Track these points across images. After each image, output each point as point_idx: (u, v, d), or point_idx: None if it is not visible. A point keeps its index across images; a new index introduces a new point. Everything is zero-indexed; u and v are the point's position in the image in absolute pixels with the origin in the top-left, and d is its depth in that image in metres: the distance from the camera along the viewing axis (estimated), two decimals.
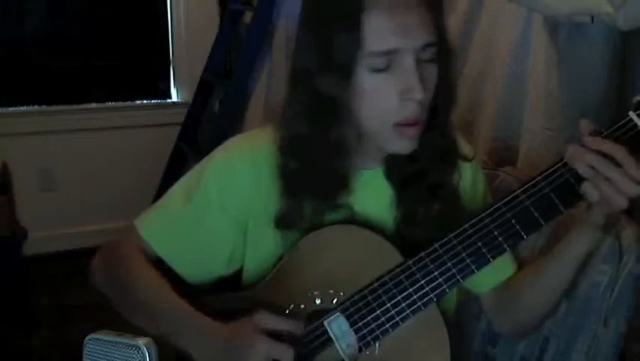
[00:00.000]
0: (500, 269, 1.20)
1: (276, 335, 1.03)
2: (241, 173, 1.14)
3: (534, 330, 1.25)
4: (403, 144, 1.07)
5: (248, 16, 3.31)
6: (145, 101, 4.10)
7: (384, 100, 1.04)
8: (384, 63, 1.02)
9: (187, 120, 3.61)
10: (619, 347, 1.23)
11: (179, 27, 3.97)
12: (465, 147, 1.20)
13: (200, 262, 1.18)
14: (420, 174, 1.13)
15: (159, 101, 4.11)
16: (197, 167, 1.20)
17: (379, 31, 1.01)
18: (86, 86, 4.01)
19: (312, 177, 1.10)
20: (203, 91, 3.58)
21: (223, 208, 1.15)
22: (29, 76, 3.93)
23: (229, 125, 3.14)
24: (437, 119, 1.10)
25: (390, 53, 1.02)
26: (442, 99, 1.09)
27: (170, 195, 1.21)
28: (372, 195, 1.15)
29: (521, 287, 1.18)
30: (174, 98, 4.11)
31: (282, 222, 1.12)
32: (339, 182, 1.12)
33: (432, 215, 1.12)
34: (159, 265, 1.17)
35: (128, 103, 4.05)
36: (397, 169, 1.14)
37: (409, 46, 1.02)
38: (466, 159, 1.18)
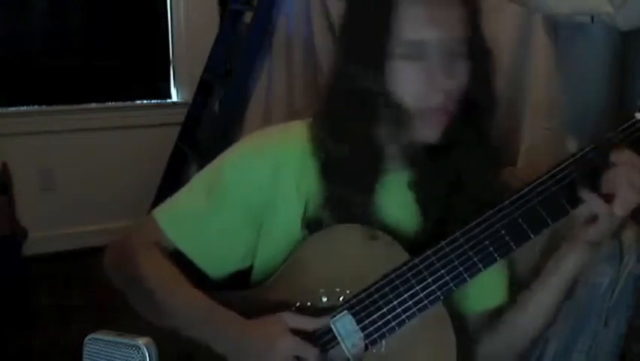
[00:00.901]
0: (495, 292, 1.19)
1: (298, 334, 1.04)
2: (260, 169, 1.15)
3: (527, 351, 1.24)
4: (427, 132, 1.08)
5: (248, 16, 3.31)
6: (145, 101, 4.10)
7: (414, 87, 1.06)
8: (416, 52, 1.05)
9: (187, 120, 3.61)
10: (619, 348, 1.23)
11: (179, 27, 3.97)
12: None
13: (218, 256, 1.19)
14: (453, 182, 1.12)
15: (159, 101, 4.11)
16: (219, 159, 1.20)
17: (412, 21, 1.04)
18: (86, 86, 4.01)
19: (354, 168, 1.11)
20: (203, 91, 3.58)
21: (242, 203, 1.15)
22: (29, 76, 3.93)
23: (229, 125, 3.14)
24: (473, 117, 1.11)
25: (422, 44, 1.04)
26: (478, 97, 1.10)
27: (191, 188, 1.21)
28: (395, 197, 1.15)
29: (513, 311, 1.17)
30: (174, 98, 4.11)
31: (314, 222, 1.12)
32: (376, 175, 1.12)
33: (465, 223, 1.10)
34: (177, 258, 1.17)
35: (128, 103, 4.05)
36: (426, 177, 1.14)
37: (441, 37, 1.05)
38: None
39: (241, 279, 1.21)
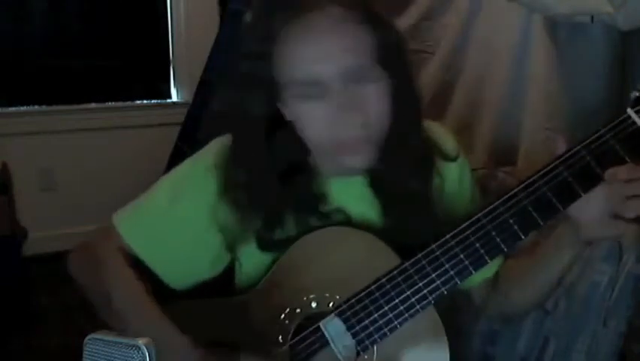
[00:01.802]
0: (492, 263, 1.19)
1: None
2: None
3: (520, 319, 1.26)
4: (352, 160, 1.05)
5: (248, 16, 3.31)
6: (145, 101, 4.10)
7: (317, 127, 1.03)
8: (310, 91, 1.01)
9: (187, 120, 3.61)
10: (619, 347, 1.23)
11: (179, 27, 3.97)
12: (448, 145, 1.17)
13: (182, 266, 1.14)
14: (399, 183, 1.11)
15: (159, 101, 4.11)
16: (183, 165, 1.17)
17: (295, 61, 1.00)
18: (85, 86, 4.01)
19: (285, 192, 1.09)
20: (203, 91, 3.58)
21: (207, 211, 1.11)
22: (29, 76, 3.93)
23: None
24: (398, 130, 1.07)
25: (317, 81, 1.00)
26: (400, 110, 1.06)
27: (153, 194, 1.17)
28: (360, 200, 1.14)
29: (510, 278, 1.17)
30: (174, 98, 4.11)
31: (265, 243, 1.11)
32: (312, 192, 1.10)
33: (418, 222, 1.10)
34: (140, 264, 1.13)
35: (128, 103, 4.05)
36: (376, 178, 1.13)
37: (331, 72, 1.00)
38: (448, 159, 1.16)
39: (226, 284, 1.19)
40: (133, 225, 1.15)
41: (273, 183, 1.08)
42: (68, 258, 1.17)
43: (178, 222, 1.13)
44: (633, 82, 1.68)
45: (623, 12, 1.44)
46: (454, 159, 1.17)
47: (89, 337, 0.84)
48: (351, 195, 1.13)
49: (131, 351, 0.82)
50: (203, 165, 1.14)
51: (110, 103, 3.99)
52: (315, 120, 1.03)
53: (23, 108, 3.79)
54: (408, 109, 1.08)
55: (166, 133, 3.65)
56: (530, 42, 1.85)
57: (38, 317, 2.96)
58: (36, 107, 3.82)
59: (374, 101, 1.02)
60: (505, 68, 1.94)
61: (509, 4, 1.82)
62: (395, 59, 1.05)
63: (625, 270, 1.19)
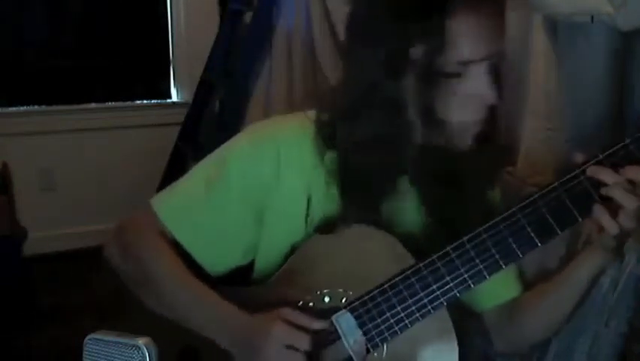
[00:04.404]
0: (505, 287, 1.19)
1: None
2: (263, 162, 1.12)
3: (528, 351, 1.25)
4: (464, 140, 1.08)
5: (248, 16, 3.31)
6: (145, 101, 4.10)
7: (461, 106, 1.05)
8: (460, 69, 1.03)
9: (187, 120, 3.61)
10: (620, 348, 1.23)
11: (179, 27, 3.97)
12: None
13: (218, 251, 1.17)
14: (455, 182, 1.11)
15: (159, 101, 4.11)
16: (219, 151, 1.18)
17: (463, 40, 1.01)
18: (85, 86, 4.01)
19: (370, 175, 1.09)
20: (203, 91, 3.58)
21: (243, 196, 1.13)
22: (29, 76, 3.93)
23: (229, 125, 3.14)
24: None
25: (472, 63, 1.02)
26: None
27: (190, 179, 1.19)
28: (402, 198, 1.13)
29: (525, 308, 1.18)
30: (174, 98, 4.11)
31: (327, 226, 1.11)
32: (391, 180, 1.11)
33: (466, 223, 1.09)
34: (177, 248, 1.16)
35: (128, 103, 4.05)
36: (427, 173, 1.12)
37: (488, 54, 1.03)
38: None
39: (243, 275, 1.20)
40: (172, 210, 1.17)
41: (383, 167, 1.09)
42: (104, 251, 1.19)
43: (216, 208, 1.15)
44: (633, 82, 1.68)
45: (623, 12, 1.44)
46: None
47: (89, 337, 0.84)
48: (400, 197, 1.13)
49: (131, 351, 0.82)
50: (246, 151, 1.15)
51: (110, 103, 3.99)
52: (458, 101, 1.04)
53: (23, 108, 3.79)
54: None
55: (166, 133, 3.66)
56: (530, 42, 1.85)
57: (38, 317, 2.96)
58: (36, 107, 3.82)
59: (500, 85, 1.06)
60: (504, 68, 1.94)
61: (509, 4, 1.81)
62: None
63: (627, 271, 1.19)
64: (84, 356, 0.84)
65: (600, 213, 0.99)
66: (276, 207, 1.13)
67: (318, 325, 1.05)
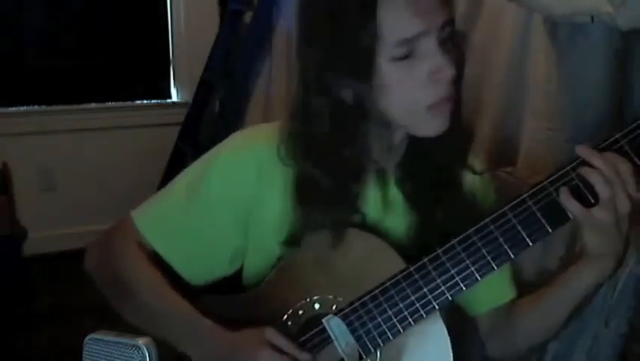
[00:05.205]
0: (499, 292, 1.18)
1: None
2: (245, 171, 1.11)
3: (524, 357, 1.23)
4: (437, 124, 1.04)
5: (248, 16, 3.31)
6: (145, 101, 4.10)
7: (414, 87, 1.01)
8: (406, 50, 0.99)
9: (187, 120, 3.61)
10: (620, 348, 1.23)
11: (179, 27, 3.97)
12: (475, 161, 1.17)
13: (201, 261, 1.15)
14: (434, 176, 1.10)
15: (159, 101, 4.11)
16: (201, 161, 1.17)
17: (399, 20, 0.98)
18: (86, 86, 4.01)
19: (331, 184, 1.07)
20: (203, 91, 3.58)
21: (226, 206, 1.12)
22: (29, 76, 3.93)
23: (229, 125, 3.14)
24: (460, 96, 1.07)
25: (413, 40, 0.98)
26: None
27: (172, 190, 1.18)
28: (382, 199, 1.13)
29: (522, 312, 1.16)
30: (174, 98, 4.11)
31: (292, 238, 1.09)
32: (357, 187, 1.09)
33: (449, 218, 1.08)
34: (157, 260, 1.14)
35: (128, 103, 4.05)
36: (410, 173, 1.12)
37: (432, 27, 0.99)
38: (475, 172, 1.15)
39: (230, 283, 1.19)
40: (151, 220, 1.16)
41: (346, 173, 1.07)
42: (85, 254, 1.18)
43: (197, 218, 1.13)
44: (633, 82, 1.68)
45: (623, 12, 1.44)
46: (477, 172, 1.16)
47: (89, 337, 0.84)
48: (380, 195, 1.12)
49: (131, 351, 0.82)
50: (228, 160, 1.13)
51: (110, 103, 3.99)
52: (412, 81, 1.01)
53: (23, 108, 3.79)
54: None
55: (166, 133, 3.66)
56: (530, 42, 1.85)
57: (38, 317, 2.96)
58: (36, 107, 3.82)
59: (455, 58, 1.02)
60: (505, 68, 1.94)
61: (509, 4, 1.82)
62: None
63: (626, 270, 1.19)
64: (84, 356, 0.84)
65: (573, 206, 0.97)
66: (260, 214, 1.12)
67: (304, 357, 1.03)
